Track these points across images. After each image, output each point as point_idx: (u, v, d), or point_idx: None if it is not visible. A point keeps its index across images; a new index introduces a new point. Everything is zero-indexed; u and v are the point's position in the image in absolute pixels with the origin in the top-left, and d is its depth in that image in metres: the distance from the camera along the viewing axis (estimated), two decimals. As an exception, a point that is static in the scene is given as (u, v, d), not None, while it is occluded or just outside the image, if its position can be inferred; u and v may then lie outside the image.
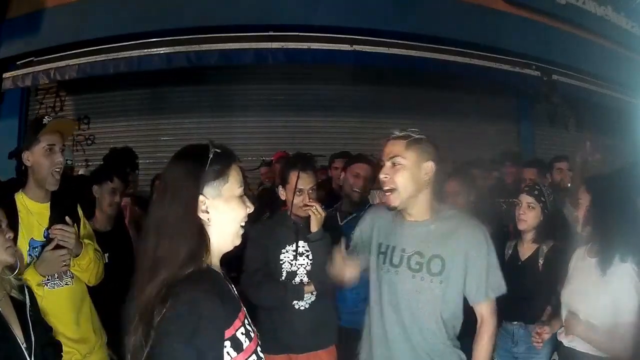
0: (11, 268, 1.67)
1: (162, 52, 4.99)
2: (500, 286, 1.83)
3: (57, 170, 2.00)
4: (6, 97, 6.09)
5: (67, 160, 2.45)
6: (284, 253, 2.39)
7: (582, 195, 2.13)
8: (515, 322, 2.57)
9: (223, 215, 1.20)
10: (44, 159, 1.97)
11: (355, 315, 2.67)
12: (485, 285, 1.80)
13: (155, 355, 1.07)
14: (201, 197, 1.17)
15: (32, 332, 1.61)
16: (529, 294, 2.49)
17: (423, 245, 1.79)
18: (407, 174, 1.74)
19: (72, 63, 5.21)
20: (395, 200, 1.77)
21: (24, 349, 1.57)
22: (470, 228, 1.81)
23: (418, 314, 1.79)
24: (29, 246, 1.96)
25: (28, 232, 1.96)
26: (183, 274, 1.11)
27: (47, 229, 2.00)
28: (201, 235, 1.18)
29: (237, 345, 1.14)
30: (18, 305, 1.65)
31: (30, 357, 1.58)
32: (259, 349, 1.22)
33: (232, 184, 1.21)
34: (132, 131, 6.22)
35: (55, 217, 2.02)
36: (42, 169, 1.98)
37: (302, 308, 2.36)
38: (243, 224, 1.26)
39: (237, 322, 1.16)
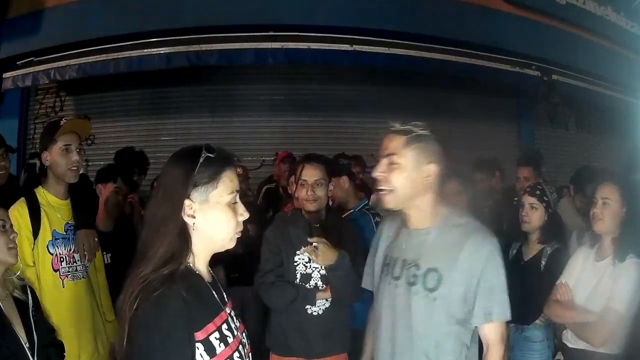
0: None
1: (162, 52, 4.98)
2: (504, 310, 1.58)
3: (74, 168, 2.13)
4: (6, 97, 6.07)
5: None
6: (298, 255, 2.36)
7: (611, 196, 2.09)
8: (512, 325, 2.57)
9: (209, 222, 1.19)
10: (61, 157, 2.11)
11: None
12: (491, 306, 1.56)
13: (128, 351, 1.10)
14: (187, 201, 1.17)
15: (34, 332, 1.62)
16: (529, 294, 2.49)
17: (420, 256, 1.60)
18: (404, 174, 1.56)
19: (72, 63, 5.20)
20: (390, 201, 1.59)
21: (26, 349, 1.58)
22: (478, 241, 1.57)
23: (411, 333, 1.59)
24: (52, 237, 2.09)
25: (52, 224, 2.10)
26: (159, 274, 1.12)
27: (67, 223, 2.17)
28: (183, 238, 1.17)
29: (210, 349, 1.14)
30: (21, 306, 1.65)
31: (32, 356, 1.58)
32: (235, 355, 1.20)
33: (222, 191, 1.19)
34: (132, 131, 6.22)
35: (77, 213, 2.21)
36: (59, 167, 2.12)
37: (314, 313, 2.32)
38: (238, 233, 1.23)
39: (211, 326, 1.16)
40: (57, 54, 5.32)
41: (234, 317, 1.28)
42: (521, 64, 5.87)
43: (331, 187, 2.42)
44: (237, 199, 1.23)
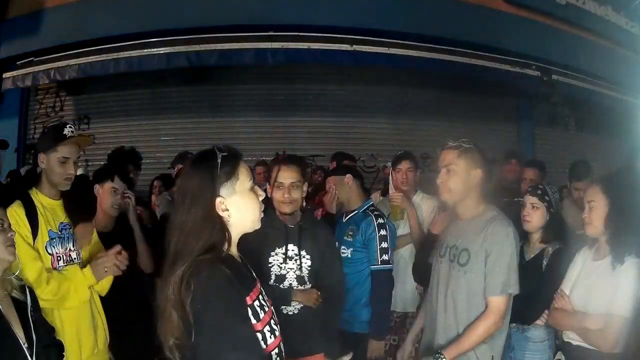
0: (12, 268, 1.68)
1: (162, 52, 4.99)
2: (506, 285, 1.97)
3: (67, 178, 2.15)
4: (6, 97, 6.09)
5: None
6: (273, 256, 2.35)
7: (595, 197, 2.08)
8: (513, 325, 2.54)
9: (241, 209, 1.34)
10: (57, 167, 2.12)
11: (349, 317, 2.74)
12: (493, 282, 1.96)
13: (202, 332, 1.20)
14: (219, 199, 1.30)
15: (33, 332, 1.62)
16: (530, 294, 2.47)
17: (459, 240, 2.06)
18: (458, 179, 2.02)
19: (72, 63, 5.21)
20: (448, 199, 2.08)
21: (25, 349, 1.57)
22: (496, 227, 1.99)
23: (451, 298, 2.04)
24: (48, 237, 2.10)
25: (47, 224, 2.11)
26: (202, 259, 1.24)
27: (61, 223, 2.17)
28: (222, 231, 1.31)
29: (255, 314, 1.29)
30: (19, 306, 1.65)
31: (31, 357, 1.58)
32: (272, 321, 1.35)
33: (243, 180, 1.34)
34: (132, 131, 6.23)
35: (73, 209, 2.23)
36: (54, 175, 2.13)
37: (290, 313, 2.32)
38: (262, 210, 1.39)
39: (253, 295, 1.31)
40: (57, 54, 5.32)
41: (264, 293, 1.41)
42: (521, 64, 5.88)
43: (305, 188, 2.40)
44: (254, 183, 1.39)
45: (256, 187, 1.39)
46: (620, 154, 4.82)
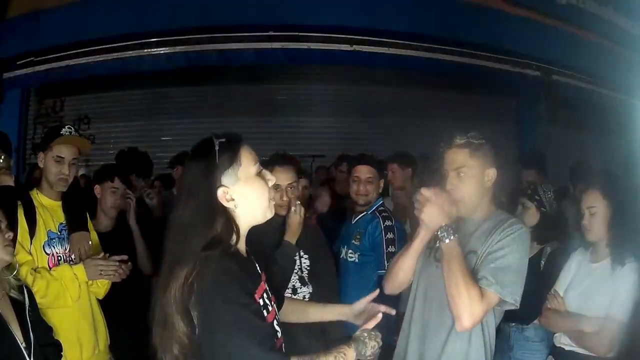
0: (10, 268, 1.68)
1: (162, 52, 4.99)
2: (503, 284, 1.64)
3: (62, 178, 2.15)
4: (6, 97, 6.09)
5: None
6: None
7: (596, 203, 2.04)
8: (513, 324, 2.55)
9: (248, 197, 1.25)
10: (52, 166, 2.14)
11: None
12: (496, 278, 1.63)
13: (212, 331, 1.13)
14: (222, 189, 1.21)
15: (31, 332, 1.62)
16: (528, 294, 2.47)
17: (465, 241, 1.74)
18: (472, 182, 1.72)
19: (72, 63, 5.22)
20: (462, 209, 1.73)
21: (23, 349, 1.57)
22: (511, 224, 1.70)
23: (444, 310, 1.68)
24: (47, 237, 2.10)
25: (46, 225, 2.12)
26: (211, 253, 1.15)
27: (61, 224, 2.19)
28: (229, 224, 1.22)
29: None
30: (17, 305, 1.65)
31: (29, 357, 1.58)
32: (275, 321, 1.29)
33: (247, 165, 1.25)
34: (132, 131, 6.23)
35: (69, 217, 2.22)
36: (49, 174, 2.15)
37: None
38: (272, 198, 1.30)
39: (258, 293, 1.23)
40: (57, 54, 5.32)
41: (268, 290, 1.34)
42: (521, 64, 5.87)
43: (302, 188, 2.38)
44: (261, 167, 1.29)
45: (264, 172, 1.29)
46: (620, 154, 4.82)
